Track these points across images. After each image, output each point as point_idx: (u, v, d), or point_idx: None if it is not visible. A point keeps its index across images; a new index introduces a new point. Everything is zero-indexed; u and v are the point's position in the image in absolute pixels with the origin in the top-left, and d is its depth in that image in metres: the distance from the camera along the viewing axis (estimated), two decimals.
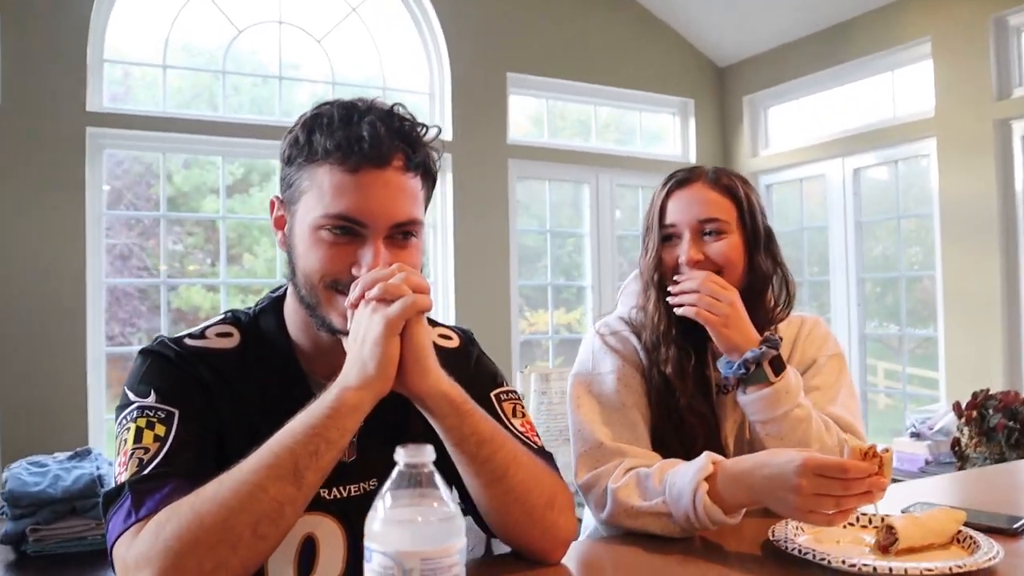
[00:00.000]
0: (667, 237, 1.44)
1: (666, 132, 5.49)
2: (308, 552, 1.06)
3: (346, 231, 0.99)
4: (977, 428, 3.23)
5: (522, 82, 4.79)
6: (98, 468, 2.50)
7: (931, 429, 3.57)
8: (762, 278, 1.45)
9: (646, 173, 5.17)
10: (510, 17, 4.70)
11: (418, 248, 1.04)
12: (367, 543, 0.58)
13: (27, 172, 3.46)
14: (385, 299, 0.91)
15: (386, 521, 0.57)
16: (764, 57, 5.13)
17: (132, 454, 0.94)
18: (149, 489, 0.90)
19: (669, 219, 1.44)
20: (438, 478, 0.59)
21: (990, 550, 1.04)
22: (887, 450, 1.08)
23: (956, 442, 3.33)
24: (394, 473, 0.59)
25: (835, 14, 4.58)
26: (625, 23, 5.08)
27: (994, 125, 3.91)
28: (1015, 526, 1.21)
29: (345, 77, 4.40)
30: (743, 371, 1.33)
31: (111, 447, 3.03)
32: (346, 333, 0.98)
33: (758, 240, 1.44)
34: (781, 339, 1.40)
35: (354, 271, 0.99)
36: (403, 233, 1.02)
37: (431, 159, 1.05)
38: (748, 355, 1.33)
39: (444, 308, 4.46)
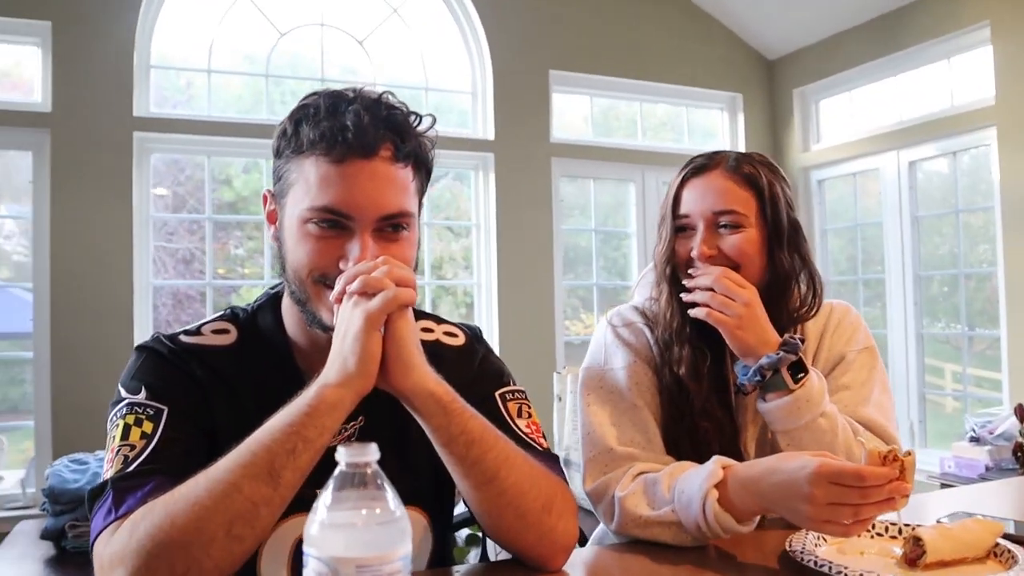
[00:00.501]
0: (681, 228, 1.36)
1: (714, 128, 5.38)
2: (302, 555, 1.03)
3: (333, 224, 0.96)
4: None
5: (565, 79, 4.74)
6: None
7: (992, 433, 3.40)
8: (784, 275, 1.35)
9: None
10: (552, 14, 4.65)
11: (410, 241, 1.01)
12: (305, 547, 0.54)
13: (77, 177, 3.54)
14: (366, 293, 0.88)
15: (323, 524, 0.54)
16: (814, 48, 4.98)
17: (118, 451, 0.93)
18: (130, 487, 0.89)
19: (683, 209, 1.36)
20: (384, 479, 0.56)
21: None
22: (909, 453, 1.00)
23: (1018, 447, 3.17)
24: (335, 473, 0.55)
25: (888, 1, 4.42)
26: (670, 17, 4.98)
27: None
28: None
29: (388, 78, 4.41)
30: (759, 378, 1.24)
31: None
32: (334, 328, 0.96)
33: (780, 234, 1.34)
34: (803, 341, 1.29)
35: (341, 265, 0.96)
36: (392, 226, 0.99)
37: (423, 148, 1.02)
38: (763, 361, 1.23)
39: (488, 309, 4.44)
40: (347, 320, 0.89)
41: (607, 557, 1.15)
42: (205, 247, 4.08)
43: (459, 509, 1.39)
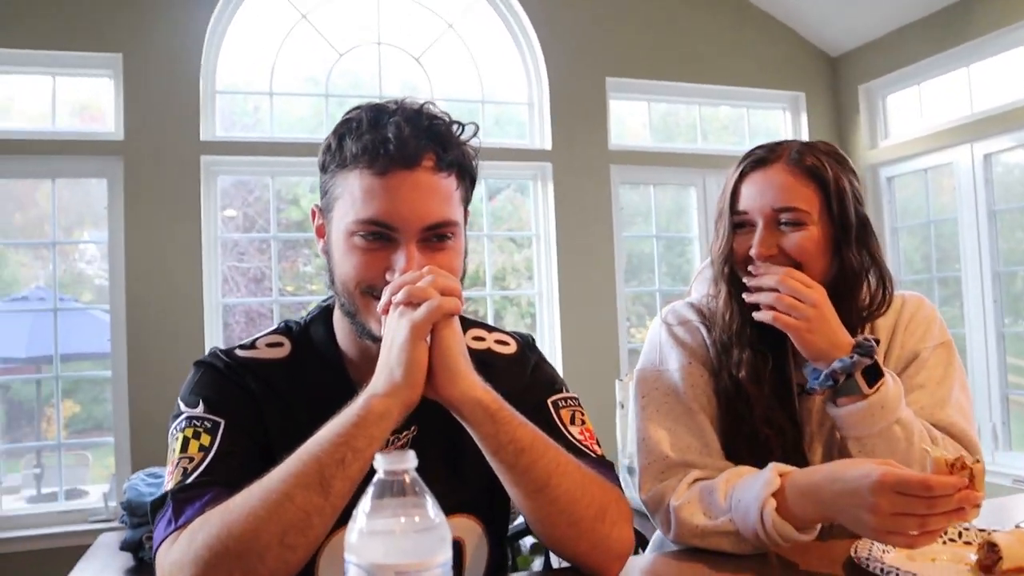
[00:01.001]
0: (739, 225, 1.31)
1: (776, 128, 5.27)
2: None
3: (378, 236, 0.98)
4: None
5: (622, 86, 4.72)
6: None
7: None
8: (853, 274, 1.29)
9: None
10: (606, 21, 4.63)
11: (456, 250, 1.01)
12: (346, 555, 0.55)
13: (149, 201, 3.68)
14: (411, 303, 0.89)
15: (362, 532, 0.54)
16: (879, 43, 4.85)
17: (178, 463, 0.96)
18: (190, 498, 0.91)
19: (741, 205, 1.30)
20: (422, 486, 0.56)
21: None
22: (977, 461, 0.96)
23: None
24: (374, 480, 0.56)
25: None
26: (726, 17, 4.91)
27: None
28: None
29: (444, 92, 4.46)
30: (831, 383, 1.19)
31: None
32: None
33: (848, 231, 1.28)
34: (878, 341, 1.24)
35: (388, 276, 0.97)
36: (437, 235, 0.99)
37: (466, 157, 1.02)
38: (836, 365, 1.18)
39: (550, 319, 4.43)
40: (393, 330, 0.90)
41: (664, 565, 1.13)
42: (272, 265, 4.19)
43: (521, 518, 1.38)
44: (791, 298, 1.20)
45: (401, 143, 0.96)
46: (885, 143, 4.95)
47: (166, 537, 0.90)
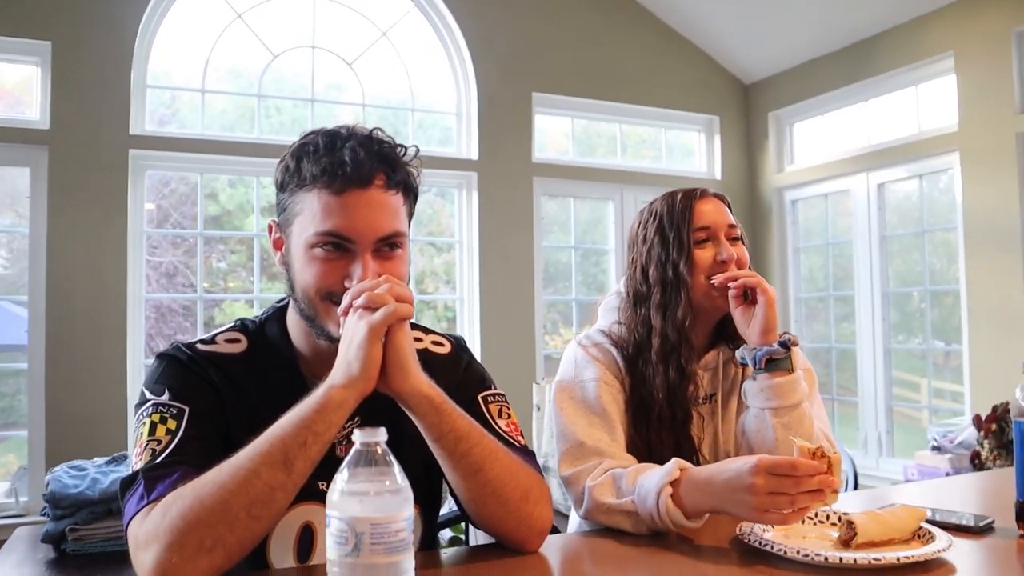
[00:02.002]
0: (701, 240, 1.54)
1: (692, 149, 5.55)
2: (307, 539, 1.16)
3: (337, 247, 1.10)
4: (996, 441, 3.24)
5: (548, 101, 4.90)
6: None
7: (952, 442, 3.57)
8: None
9: (673, 189, 5.23)
10: (535, 38, 4.81)
11: (403, 259, 1.14)
12: (328, 511, 0.67)
13: (73, 193, 3.65)
14: (370, 307, 1.01)
15: (342, 492, 0.67)
16: (789, 73, 5.18)
17: (147, 445, 1.05)
18: (160, 476, 1.01)
19: (704, 222, 1.54)
20: (391, 457, 0.69)
21: (942, 543, 1.10)
22: (835, 453, 1.15)
23: (976, 455, 3.33)
24: (352, 451, 0.68)
25: (859, 30, 4.62)
26: (650, 41, 5.16)
27: (1017, 138, 3.90)
28: (980, 524, 1.26)
29: (375, 98, 4.56)
30: (784, 349, 1.43)
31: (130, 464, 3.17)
32: None
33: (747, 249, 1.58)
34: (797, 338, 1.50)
35: (346, 283, 1.09)
36: (388, 245, 1.12)
37: (411, 176, 1.16)
38: (786, 336, 1.44)
39: (470, 323, 4.57)
40: (352, 330, 1.02)
41: (578, 542, 1.28)
42: (189, 261, 4.20)
43: (445, 508, 1.52)
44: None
45: (356, 165, 1.08)
46: (791, 167, 5.27)
47: (138, 511, 0.99)
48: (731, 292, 1.48)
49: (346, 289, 1.08)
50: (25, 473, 3.61)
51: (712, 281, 1.50)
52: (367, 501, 0.66)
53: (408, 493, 0.68)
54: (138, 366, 3.81)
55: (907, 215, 4.73)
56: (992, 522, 1.28)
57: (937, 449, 3.59)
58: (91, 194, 3.68)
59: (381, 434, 0.68)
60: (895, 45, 4.49)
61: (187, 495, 0.96)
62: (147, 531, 0.95)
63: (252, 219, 4.33)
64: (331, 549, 0.66)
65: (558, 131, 5.17)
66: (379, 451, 0.68)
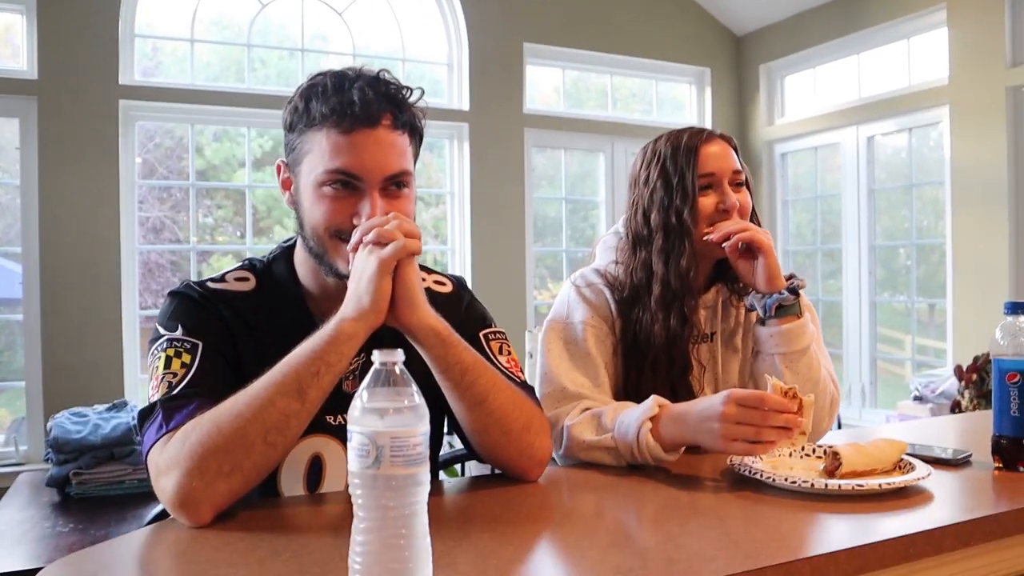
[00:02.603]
0: (706, 185, 1.51)
1: (683, 101, 5.55)
2: (316, 469, 1.21)
3: (345, 185, 1.12)
4: (976, 391, 3.32)
5: (539, 52, 4.88)
6: (134, 418, 2.68)
7: (934, 392, 3.66)
8: None
9: (676, 128, 5.26)
10: None
11: (410, 198, 1.17)
12: (349, 426, 0.71)
13: (64, 144, 3.63)
14: (380, 243, 1.04)
15: (363, 409, 0.71)
16: (781, 25, 5.16)
17: (163, 378, 1.09)
18: (177, 406, 1.05)
19: (709, 168, 1.50)
20: (407, 376, 0.73)
21: (921, 472, 1.15)
22: (809, 396, 1.20)
23: (956, 404, 3.42)
24: (371, 371, 0.72)
25: None
26: None
27: (1007, 92, 3.93)
28: (958, 457, 1.32)
29: (366, 49, 4.52)
30: (793, 296, 1.45)
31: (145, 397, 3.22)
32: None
33: (752, 196, 1.58)
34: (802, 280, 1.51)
35: (355, 221, 1.12)
36: (396, 184, 1.15)
37: (416, 117, 1.18)
38: (793, 282, 1.46)
39: (462, 273, 4.60)
40: (362, 265, 1.05)
41: (572, 473, 1.34)
42: (176, 216, 4.20)
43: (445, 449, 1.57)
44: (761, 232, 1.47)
45: (365, 104, 1.11)
46: (781, 120, 5.29)
47: (158, 439, 1.03)
48: (726, 248, 1.47)
49: (354, 226, 1.11)
50: (21, 423, 3.65)
51: (706, 237, 1.49)
52: (387, 416, 0.70)
53: (424, 410, 0.72)
54: (133, 317, 3.84)
55: (895, 169, 4.77)
56: (970, 456, 1.34)
57: (919, 399, 3.68)
58: (82, 145, 3.67)
59: (399, 354, 0.72)
60: None
61: (205, 423, 1.00)
62: (168, 458, 0.99)
63: (243, 173, 4.32)
64: (353, 462, 0.71)
65: (548, 83, 5.16)
66: (397, 370, 0.72)
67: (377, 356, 0.72)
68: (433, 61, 4.71)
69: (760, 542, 0.94)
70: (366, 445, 0.70)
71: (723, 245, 1.47)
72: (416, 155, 1.22)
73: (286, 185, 1.22)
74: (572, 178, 5.22)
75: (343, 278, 1.15)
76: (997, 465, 1.29)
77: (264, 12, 4.25)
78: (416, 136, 1.20)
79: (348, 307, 1.06)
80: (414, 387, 0.73)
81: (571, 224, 5.21)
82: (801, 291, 1.49)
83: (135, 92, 3.82)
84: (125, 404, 2.84)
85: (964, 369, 3.41)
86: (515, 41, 4.76)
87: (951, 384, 3.57)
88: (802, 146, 5.19)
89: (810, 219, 5.32)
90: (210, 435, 0.98)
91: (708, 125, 5.42)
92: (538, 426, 1.20)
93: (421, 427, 0.71)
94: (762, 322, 1.49)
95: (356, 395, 0.72)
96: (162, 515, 1.32)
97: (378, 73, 1.17)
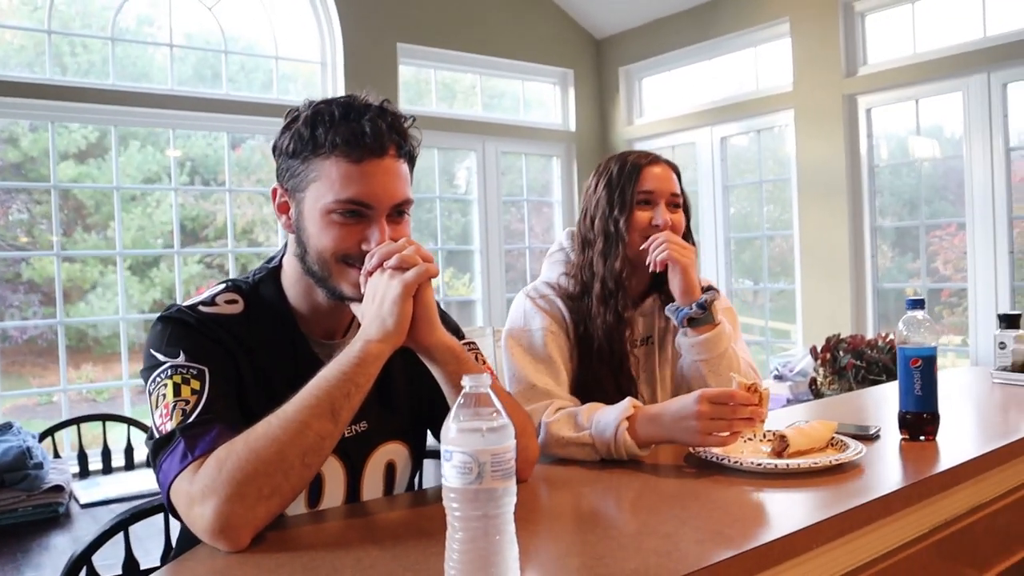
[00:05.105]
0: (644, 201, 1.67)
1: (548, 101, 5.75)
2: (316, 487, 1.24)
3: (354, 213, 1.16)
4: (830, 368, 3.70)
5: (412, 52, 4.92)
6: (24, 441, 2.51)
7: (791, 371, 4.03)
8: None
9: (530, 141, 5.46)
10: None
11: (409, 223, 1.23)
12: (446, 447, 0.78)
13: None
14: (401, 267, 1.10)
15: (460, 430, 0.78)
16: (639, 31, 5.46)
17: (175, 406, 1.09)
18: (198, 433, 1.05)
19: (648, 187, 1.66)
20: (494, 397, 0.80)
21: (857, 448, 1.35)
22: (766, 388, 1.37)
23: (813, 381, 3.79)
24: (461, 394, 0.79)
25: None
26: None
27: (843, 99, 4.38)
28: (872, 432, 1.54)
29: (237, 46, 4.40)
30: (701, 310, 1.60)
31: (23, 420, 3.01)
32: (356, 299, 1.17)
33: (689, 218, 1.75)
34: (717, 291, 1.68)
35: (363, 247, 1.16)
36: (399, 211, 1.20)
37: (414, 146, 1.24)
38: (705, 296, 1.61)
39: None
40: (384, 289, 1.10)
41: (550, 469, 1.44)
42: None
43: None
44: (679, 247, 1.63)
45: (376, 135, 1.15)
46: (640, 120, 5.60)
47: (183, 469, 1.03)
48: (648, 264, 1.64)
49: (362, 252, 1.15)
50: None
51: (640, 248, 1.66)
52: (484, 435, 0.77)
53: (511, 428, 0.80)
54: None
55: (747, 167, 5.18)
56: (879, 430, 1.56)
57: (779, 378, 4.05)
58: None
59: (485, 380, 0.80)
60: (736, 8, 4.85)
61: (239, 449, 1.02)
62: (203, 486, 1.00)
63: (69, 166, 4.06)
64: (453, 479, 0.77)
65: (421, 82, 5.20)
66: (484, 393, 0.79)
67: (467, 380, 0.79)
68: (306, 59, 4.64)
69: (728, 522, 1.07)
70: (468, 463, 0.77)
71: (647, 262, 1.64)
72: (411, 181, 1.27)
73: (283, 209, 1.24)
74: (447, 176, 5.30)
75: (345, 300, 1.19)
76: (904, 436, 1.51)
77: (124, 11, 4.05)
78: (413, 163, 1.25)
79: (372, 329, 1.10)
80: (499, 407, 0.80)
81: (443, 223, 5.29)
82: (716, 301, 1.64)
83: None
84: (11, 426, 2.66)
85: (819, 349, 3.79)
86: (389, 41, 4.77)
87: (807, 363, 3.95)
88: (661, 145, 5.50)
89: None
90: (248, 460, 1.00)
91: (572, 124, 5.67)
92: (531, 430, 1.30)
93: (511, 442, 0.79)
94: (684, 332, 1.65)
95: (450, 417, 0.79)
96: (93, 546, 1.31)
97: (382, 103, 1.22)
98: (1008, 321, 2.16)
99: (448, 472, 0.78)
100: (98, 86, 3.89)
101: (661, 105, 5.51)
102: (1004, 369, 2.12)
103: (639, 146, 5.59)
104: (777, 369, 4.13)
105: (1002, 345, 2.14)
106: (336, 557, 0.98)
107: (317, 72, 4.65)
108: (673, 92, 5.43)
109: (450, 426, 0.79)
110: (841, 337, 3.79)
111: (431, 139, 5.03)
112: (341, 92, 4.57)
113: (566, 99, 5.72)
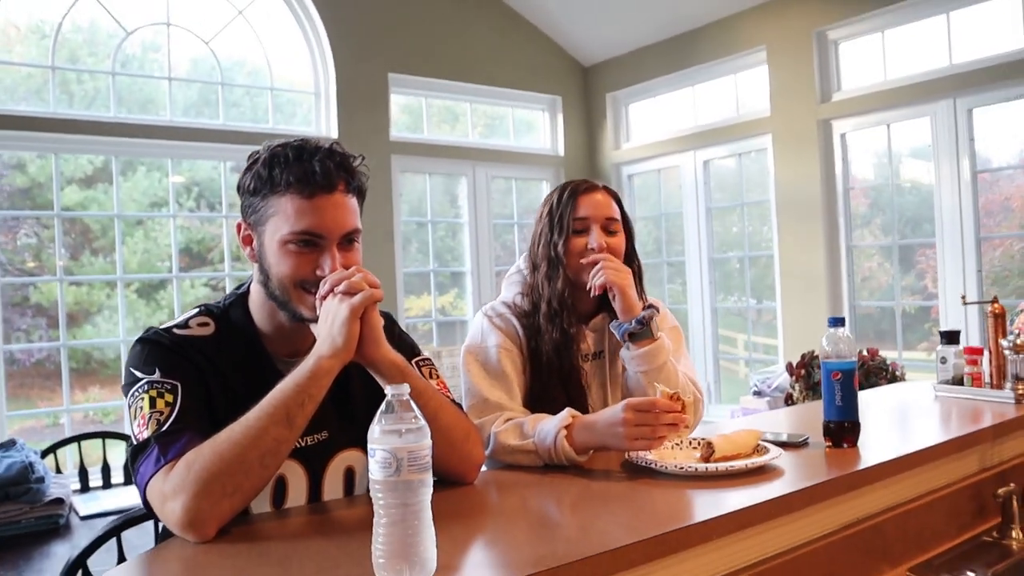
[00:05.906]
0: (579, 229, 1.81)
1: (537, 127, 5.92)
2: (280, 489, 1.38)
3: (308, 243, 1.31)
4: (805, 384, 3.83)
5: (402, 81, 5.10)
6: (27, 457, 2.66)
7: (770, 387, 4.16)
8: (633, 271, 1.87)
9: (519, 166, 5.62)
10: (390, 20, 4.99)
11: (359, 250, 1.38)
12: (371, 445, 0.92)
13: None
14: (349, 292, 1.25)
15: (383, 430, 0.92)
16: (625, 58, 5.63)
17: (151, 416, 1.23)
18: (171, 440, 1.20)
19: (582, 213, 1.81)
20: (412, 402, 0.94)
21: (775, 453, 1.48)
22: (689, 397, 1.51)
23: (789, 396, 3.92)
24: (384, 401, 0.93)
25: (685, 22, 5.13)
26: (497, 26, 5.46)
27: (818, 124, 4.53)
28: (799, 440, 1.67)
29: (233, 77, 4.58)
30: (640, 326, 1.73)
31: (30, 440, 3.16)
32: (313, 320, 1.31)
33: (631, 240, 1.90)
34: (657, 308, 1.81)
35: (318, 272, 1.31)
36: (348, 240, 1.35)
37: (362, 181, 1.39)
38: (643, 313, 1.74)
39: None
40: (335, 311, 1.25)
41: (499, 474, 1.58)
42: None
43: None
44: (615, 268, 1.76)
45: (325, 173, 1.30)
46: (627, 145, 5.76)
47: (157, 471, 1.17)
48: (589, 288, 1.77)
49: (317, 277, 1.30)
50: None
51: (580, 271, 1.80)
52: (403, 436, 0.91)
53: (427, 429, 0.94)
54: None
55: (729, 189, 5.33)
56: (807, 439, 1.69)
57: (758, 394, 4.18)
58: None
59: (405, 388, 0.94)
60: (716, 38, 5.03)
61: (206, 452, 1.16)
62: (174, 485, 1.15)
63: (75, 191, 4.22)
64: (376, 472, 0.91)
65: (413, 110, 5.38)
66: (405, 399, 0.94)
67: (389, 390, 0.94)
68: (301, 90, 4.82)
69: (659, 518, 1.21)
70: (388, 459, 0.91)
71: (587, 287, 1.79)
72: (361, 212, 1.42)
73: (247, 241, 1.39)
74: (438, 199, 5.47)
75: (304, 321, 1.34)
76: (828, 444, 1.64)
77: (130, 39, 4.23)
78: (362, 196, 1.41)
79: (323, 347, 1.25)
80: (417, 411, 0.94)
81: (434, 245, 5.45)
82: (658, 315, 1.78)
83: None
84: (14, 443, 2.81)
85: (794, 365, 3.91)
86: (380, 70, 4.95)
87: (784, 379, 4.08)
88: (646, 168, 5.67)
89: (655, 234, 5.82)
90: (213, 462, 1.15)
91: (561, 149, 5.83)
92: (475, 437, 1.44)
93: (426, 442, 0.93)
94: (626, 347, 1.79)
95: (375, 421, 0.93)
96: (88, 551, 1.44)
97: (331, 145, 1.37)
98: (948, 337, 2.29)
99: (372, 467, 0.92)
100: (100, 118, 4.08)
101: (647, 130, 5.67)
102: (945, 383, 2.25)
103: (627, 170, 5.76)
104: (756, 385, 4.26)
105: (943, 360, 2.27)
106: (289, 546, 1.12)
107: (311, 101, 4.83)
108: (658, 117, 5.60)
109: (374, 428, 0.93)
110: (815, 354, 3.91)
111: (423, 165, 5.21)
112: (335, 121, 4.76)
113: (555, 125, 5.89)
